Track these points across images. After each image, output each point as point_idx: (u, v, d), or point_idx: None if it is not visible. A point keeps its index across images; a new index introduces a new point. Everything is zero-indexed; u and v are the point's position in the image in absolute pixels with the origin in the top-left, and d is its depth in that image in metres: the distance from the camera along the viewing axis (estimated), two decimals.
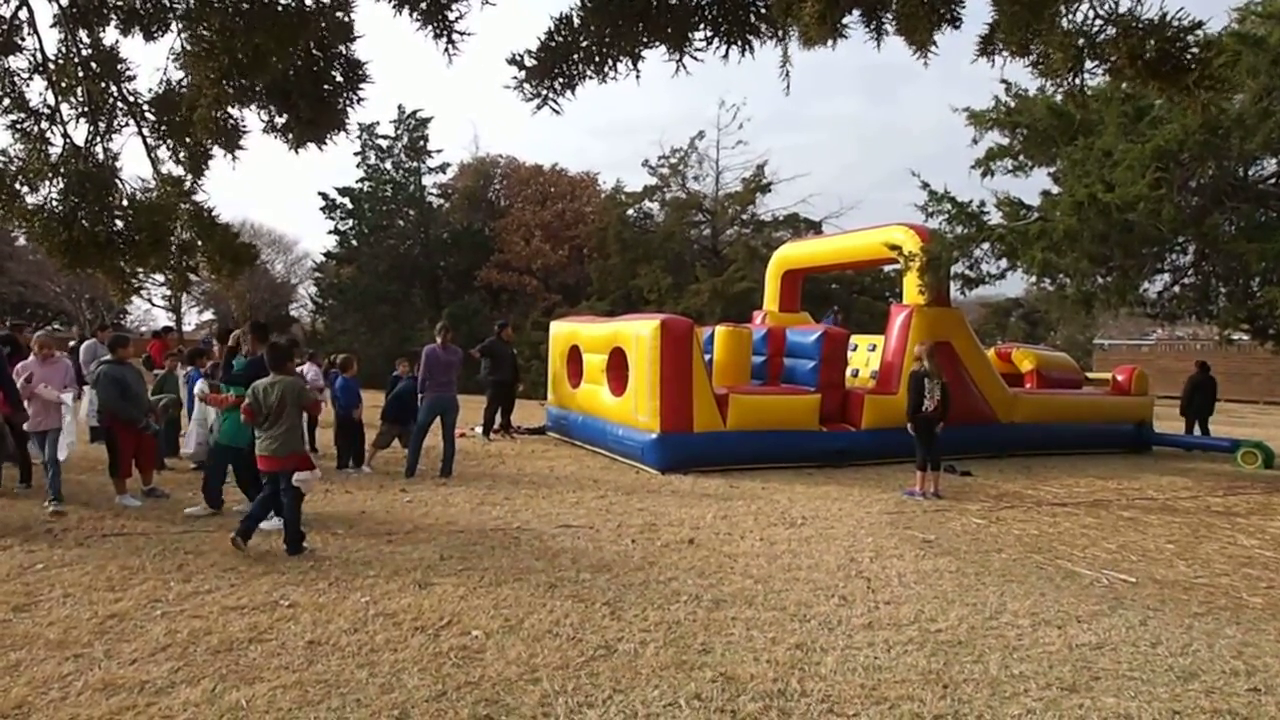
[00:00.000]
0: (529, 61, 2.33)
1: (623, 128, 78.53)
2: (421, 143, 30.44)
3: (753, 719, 3.39)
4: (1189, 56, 2.21)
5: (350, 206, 30.01)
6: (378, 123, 30.36)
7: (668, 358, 9.55)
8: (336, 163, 79.11)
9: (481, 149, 38.13)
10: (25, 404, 7.05)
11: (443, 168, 31.33)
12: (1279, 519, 7.93)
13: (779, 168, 43.19)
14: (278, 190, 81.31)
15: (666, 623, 4.47)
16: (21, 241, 32.85)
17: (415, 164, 30.54)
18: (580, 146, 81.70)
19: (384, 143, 30.24)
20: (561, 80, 2.36)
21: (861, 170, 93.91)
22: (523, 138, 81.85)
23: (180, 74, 2.93)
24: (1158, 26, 2.22)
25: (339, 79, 2.90)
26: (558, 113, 2.38)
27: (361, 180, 30.17)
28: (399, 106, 31.87)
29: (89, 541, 5.97)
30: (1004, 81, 11.29)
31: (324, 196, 30.05)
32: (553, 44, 2.32)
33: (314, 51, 2.81)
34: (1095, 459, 11.89)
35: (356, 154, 30.14)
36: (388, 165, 30.44)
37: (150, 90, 3.08)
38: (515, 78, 2.37)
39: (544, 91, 2.36)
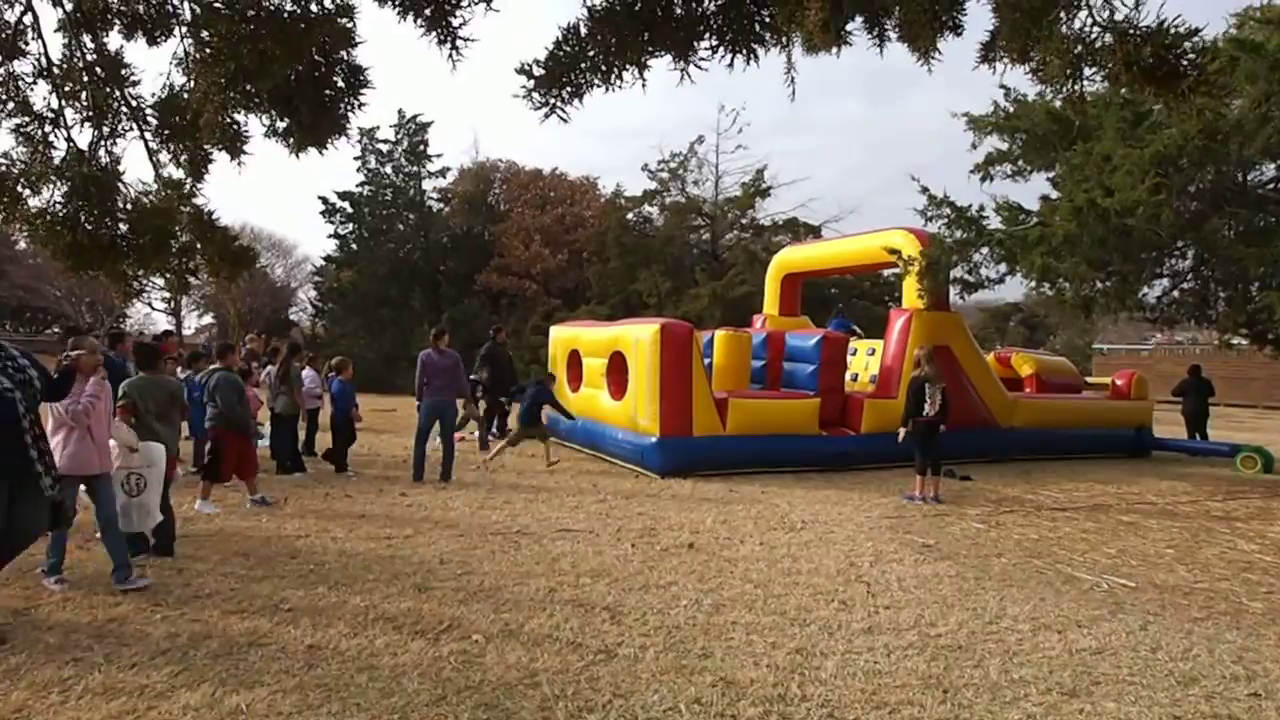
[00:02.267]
0: (537, 71, 2.35)
1: (623, 132, 78.66)
2: (421, 147, 30.46)
3: None
4: (1185, 63, 2.22)
5: (350, 210, 30.01)
6: (378, 127, 30.37)
7: (668, 362, 9.56)
8: (337, 167, 79.43)
9: (481, 153, 38.25)
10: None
11: (443, 172, 31.34)
12: (1279, 524, 7.93)
13: (779, 172, 43.24)
14: (278, 194, 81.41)
15: (666, 627, 4.47)
16: (22, 245, 32.86)
17: (415, 168, 30.55)
18: (580, 151, 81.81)
19: (384, 147, 30.25)
20: (569, 89, 2.37)
21: (863, 174, 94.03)
22: (522, 142, 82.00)
23: (183, 79, 2.95)
24: (1154, 33, 2.23)
25: (340, 85, 2.91)
26: (565, 121, 2.40)
27: (361, 184, 30.17)
28: (399, 111, 31.85)
29: (89, 545, 5.96)
30: (1003, 87, 11.33)
31: (324, 200, 30.06)
32: (560, 54, 2.34)
33: (316, 57, 2.82)
34: (1095, 463, 11.90)
35: (357, 158, 30.15)
36: (388, 169, 30.45)
37: (153, 95, 3.11)
38: (524, 87, 2.38)
39: (552, 100, 2.38)
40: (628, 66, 2.36)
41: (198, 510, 7.11)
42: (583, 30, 2.33)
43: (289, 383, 9.54)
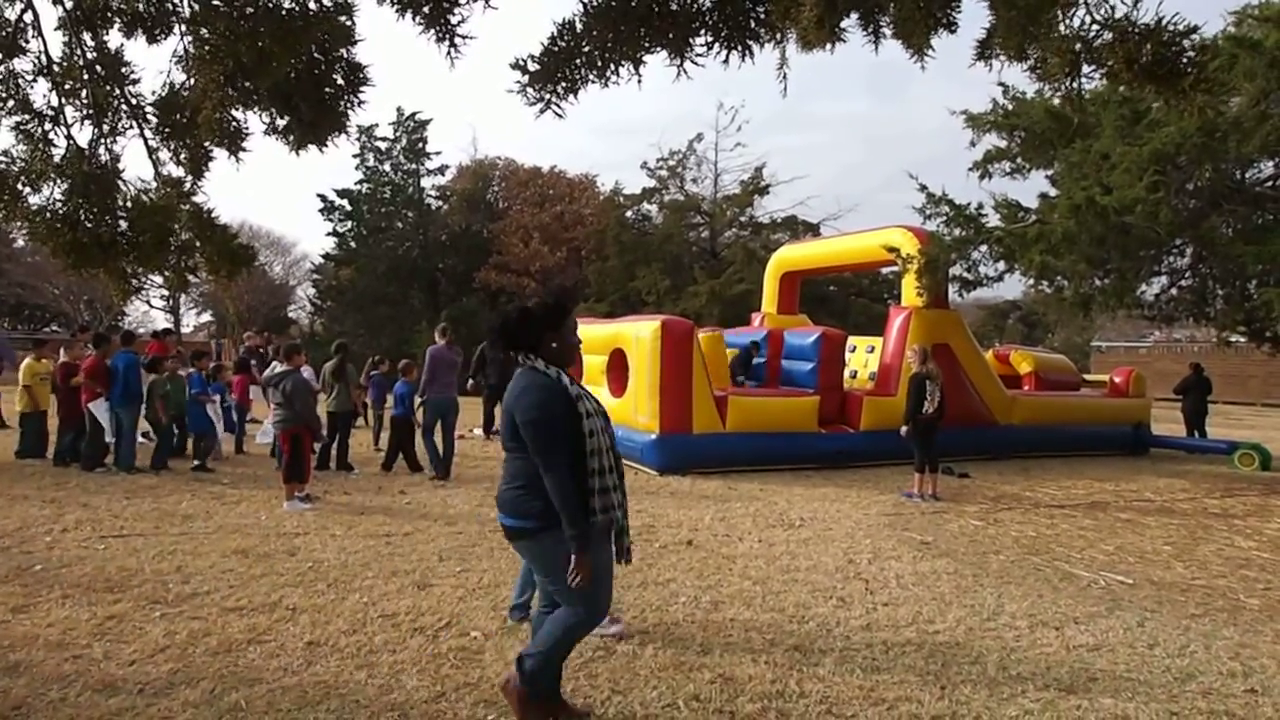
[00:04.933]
0: (532, 66, 2.36)
1: (622, 129, 78.60)
2: (420, 144, 30.46)
3: None
4: (1185, 60, 2.23)
5: (349, 208, 30.01)
6: (376, 124, 30.37)
7: (668, 359, 9.57)
8: (335, 164, 79.19)
9: (480, 151, 38.16)
10: None
11: (441, 169, 31.35)
12: (1276, 521, 7.95)
13: (779, 169, 43.45)
14: (277, 192, 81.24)
15: (665, 624, 4.48)
16: (20, 243, 32.81)
17: (414, 166, 30.55)
18: (579, 148, 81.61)
19: (383, 144, 30.25)
20: (564, 85, 2.38)
21: (864, 171, 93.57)
22: (521, 139, 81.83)
23: (183, 76, 2.96)
24: (1153, 31, 2.24)
25: (340, 82, 2.92)
26: (560, 116, 2.41)
27: (360, 182, 30.18)
28: (398, 108, 31.86)
29: (88, 543, 5.97)
30: (1002, 84, 11.34)
31: (323, 198, 30.05)
32: (555, 49, 2.35)
33: (316, 55, 2.83)
34: (1093, 461, 11.91)
35: (355, 156, 30.15)
36: (386, 167, 30.45)
37: (153, 93, 3.11)
38: (519, 82, 2.39)
39: (547, 95, 2.39)
40: (623, 62, 2.37)
41: (287, 510, 7.20)
42: (578, 25, 2.34)
43: (344, 380, 9.64)
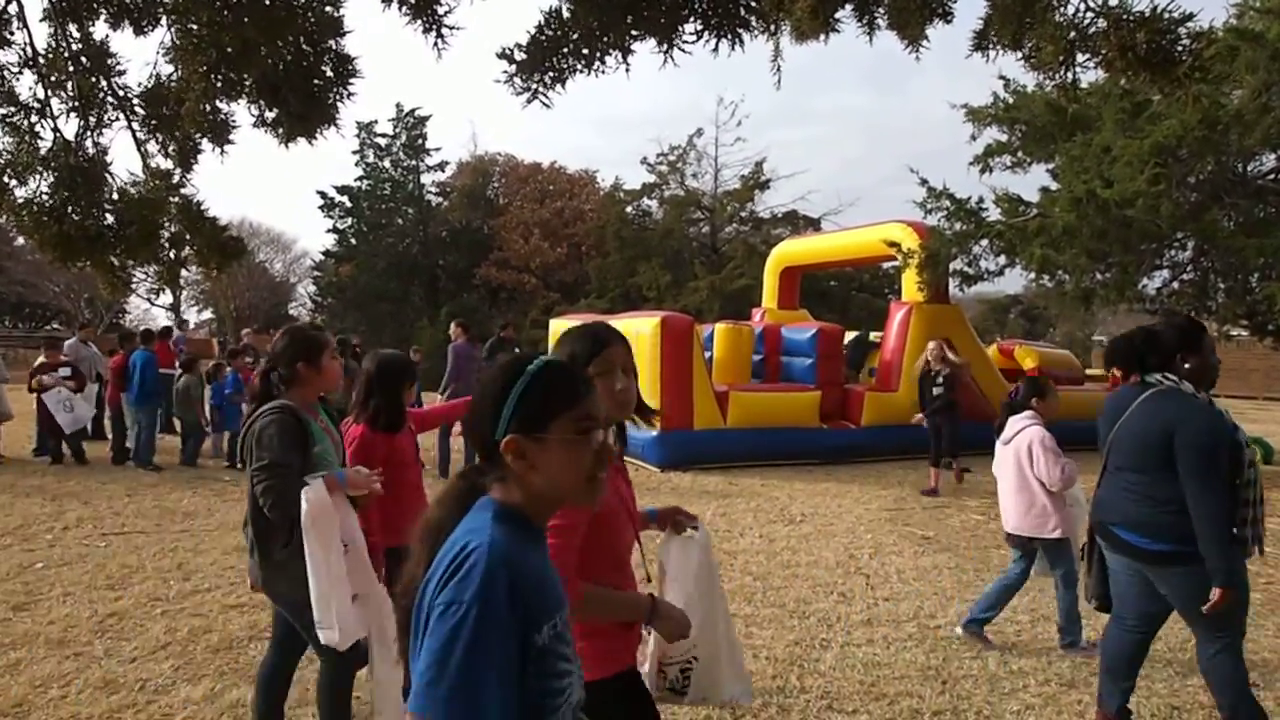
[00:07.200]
0: (519, 55, 2.35)
1: (622, 124, 78.32)
2: (420, 141, 30.43)
3: (752, 715, 3.39)
4: (1180, 48, 2.21)
5: (349, 205, 30.00)
6: (376, 121, 30.35)
7: (668, 355, 9.55)
8: (335, 161, 79.19)
9: (480, 147, 38.13)
10: None
11: (441, 166, 31.34)
12: (1277, 515, 7.92)
13: (779, 164, 42.97)
14: (276, 189, 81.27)
15: None
16: (20, 241, 32.82)
17: (414, 162, 30.53)
18: (579, 144, 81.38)
19: (382, 141, 30.23)
20: (552, 74, 2.37)
21: (867, 165, 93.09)
22: (521, 135, 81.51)
23: (170, 68, 2.95)
24: (1148, 19, 2.21)
25: (329, 74, 2.90)
26: (548, 106, 2.40)
27: (360, 179, 30.16)
28: (397, 105, 31.93)
29: (89, 540, 5.97)
30: (1002, 78, 11.30)
31: (322, 195, 30.04)
32: (542, 38, 2.34)
33: (304, 46, 2.82)
34: (1095, 455, 11.87)
35: (355, 152, 30.13)
36: (386, 163, 30.43)
37: (140, 84, 3.10)
38: (506, 71, 2.38)
39: (534, 85, 2.38)
40: (610, 50, 2.35)
41: None
42: (565, 13, 2.33)
43: (351, 377, 9.66)
